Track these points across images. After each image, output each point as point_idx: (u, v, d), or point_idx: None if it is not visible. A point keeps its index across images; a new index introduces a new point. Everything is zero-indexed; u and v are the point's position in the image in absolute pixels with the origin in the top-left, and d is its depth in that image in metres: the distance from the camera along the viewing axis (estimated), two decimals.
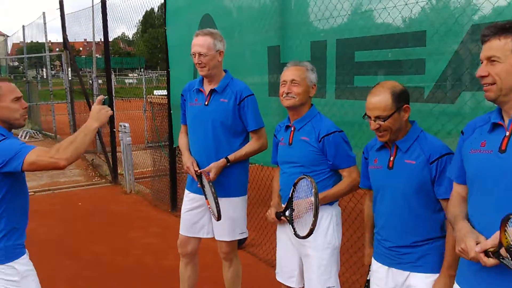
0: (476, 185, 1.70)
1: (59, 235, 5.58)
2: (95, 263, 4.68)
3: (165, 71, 6.25)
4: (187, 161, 3.13)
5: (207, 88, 3.10)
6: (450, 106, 2.53)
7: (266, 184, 4.98)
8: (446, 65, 2.53)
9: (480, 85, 2.36)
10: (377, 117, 2.06)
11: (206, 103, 3.08)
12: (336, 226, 2.55)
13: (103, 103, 2.36)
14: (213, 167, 2.98)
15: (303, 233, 2.27)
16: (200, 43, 2.96)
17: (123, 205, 6.95)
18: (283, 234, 2.66)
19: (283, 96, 2.53)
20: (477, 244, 1.54)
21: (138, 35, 66.48)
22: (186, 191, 3.31)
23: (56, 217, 6.33)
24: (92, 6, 10.54)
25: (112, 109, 8.25)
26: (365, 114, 2.11)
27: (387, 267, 2.19)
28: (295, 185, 2.38)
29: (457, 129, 2.47)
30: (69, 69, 9.70)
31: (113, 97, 8.67)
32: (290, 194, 2.41)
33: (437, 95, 2.59)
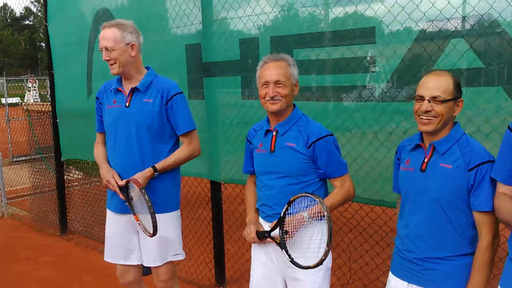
0: None
1: None
2: None
3: (15, 77, 5.48)
4: (106, 174, 2.69)
5: (127, 87, 2.71)
6: (405, 104, 2.51)
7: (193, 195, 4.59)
8: (399, 62, 2.50)
9: None
10: (434, 98, 1.85)
11: (127, 104, 2.68)
12: None
13: None
14: (139, 178, 2.57)
15: (304, 260, 1.99)
16: (105, 36, 2.60)
17: None
18: (262, 253, 2.34)
19: (266, 99, 2.21)
20: None
21: None
22: (108, 212, 2.86)
23: None
24: None
25: None
26: (416, 95, 1.90)
27: (406, 283, 1.99)
28: (290, 203, 2.08)
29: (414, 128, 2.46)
30: None
31: None
32: (283, 212, 2.10)
33: (390, 94, 2.55)
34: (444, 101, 1.85)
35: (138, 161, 2.65)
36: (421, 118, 1.89)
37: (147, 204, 2.44)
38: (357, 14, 2.66)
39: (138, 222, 2.58)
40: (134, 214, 2.61)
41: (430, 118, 1.87)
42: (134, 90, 2.67)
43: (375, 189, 2.66)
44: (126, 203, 2.62)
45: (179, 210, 2.84)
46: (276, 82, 2.18)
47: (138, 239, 2.80)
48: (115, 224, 2.82)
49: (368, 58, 2.64)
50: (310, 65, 2.94)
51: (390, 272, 2.11)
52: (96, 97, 2.85)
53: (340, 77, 2.79)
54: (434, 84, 1.86)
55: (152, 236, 2.51)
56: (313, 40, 2.90)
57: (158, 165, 2.64)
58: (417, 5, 2.41)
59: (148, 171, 2.61)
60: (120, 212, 2.76)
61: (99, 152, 2.85)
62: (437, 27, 2.36)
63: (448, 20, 2.32)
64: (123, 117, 2.68)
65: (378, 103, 2.61)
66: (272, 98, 2.18)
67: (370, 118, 2.64)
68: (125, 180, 2.59)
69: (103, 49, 2.59)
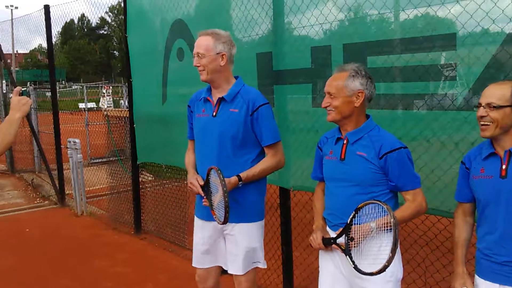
0: None
1: (13, 267, 4.88)
2: None
3: (89, 83, 5.84)
4: (191, 177, 2.77)
5: (215, 96, 2.75)
6: None
7: None
8: (483, 70, 2.39)
9: None
10: (488, 104, 1.94)
11: (214, 113, 2.73)
12: (397, 255, 2.24)
13: (21, 94, 2.37)
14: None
15: (368, 267, 1.98)
16: (199, 43, 2.69)
17: (77, 230, 6.29)
18: (330, 262, 2.35)
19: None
20: None
21: (57, 47, 63.63)
22: (196, 219, 2.94)
23: (3, 246, 5.54)
24: (12, 18, 9.73)
25: (57, 127, 7.56)
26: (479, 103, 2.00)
27: (498, 285, 1.99)
28: (357, 210, 2.08)
29: None
30: (3, 81, 8.74)
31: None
32: (349, 219, 2.11)
33: (472, 102, 2.44)
34: (496, 107, 1.92)
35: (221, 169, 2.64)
36: (480, 124, 2.00)
37: (221, 183, 2.45)
38: (436, 19, 2.58)
39: (214, 215, 2.61)
40: (212, 209, 2.63)
41: (487, 123, 1.96)
42: (221, 100, 2.70)
43: (454, 202, 2.54)
44: (205, 198, 2.64)
45: (263, 220, 2.85)
46: (328, 93, 2.26)
47: (224, 246, 2.84)
48: (201, 231, 2.88)
49: (448, 65, 2.55)
50: (384, 72, 2.88)
51: (476, 276, 2.09)
52: (188, 105, 2.94)
53: (418, 84, 2.71)
54: (490, 92, 1.97)
55: (222, 224, 2.53)
56: (389, 47, 2.84)
57: (243, 175, 2.64)
58: (502, 10, 2.29)
59: (234, 179, 2.62)
60: (206, 219, 2.81)
61: (189, 159, 2.93)
62: None
63: None
64: (209, 127, 2.73)
65: (459, 112, 2.51)
66: (326, 108, 2.28)
67: (450, 127, 2.54)
68: (206, 174, 2.62)
69: (195, 55, 2.67)
